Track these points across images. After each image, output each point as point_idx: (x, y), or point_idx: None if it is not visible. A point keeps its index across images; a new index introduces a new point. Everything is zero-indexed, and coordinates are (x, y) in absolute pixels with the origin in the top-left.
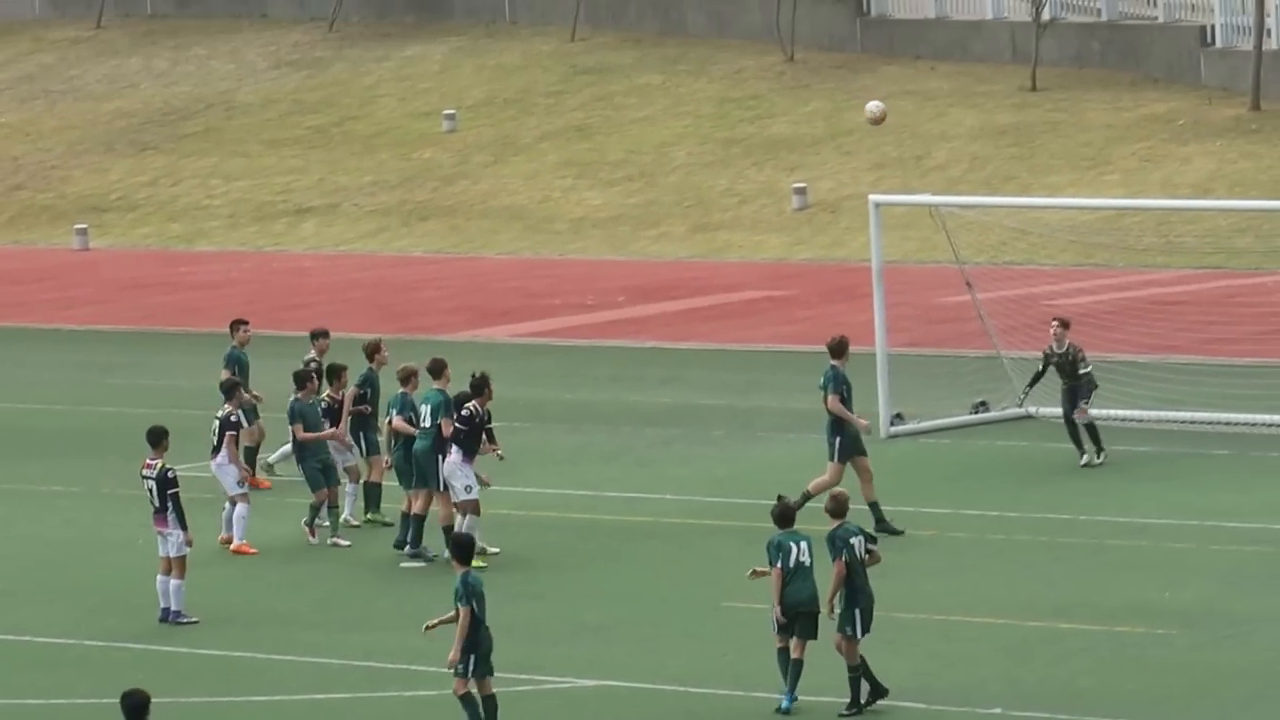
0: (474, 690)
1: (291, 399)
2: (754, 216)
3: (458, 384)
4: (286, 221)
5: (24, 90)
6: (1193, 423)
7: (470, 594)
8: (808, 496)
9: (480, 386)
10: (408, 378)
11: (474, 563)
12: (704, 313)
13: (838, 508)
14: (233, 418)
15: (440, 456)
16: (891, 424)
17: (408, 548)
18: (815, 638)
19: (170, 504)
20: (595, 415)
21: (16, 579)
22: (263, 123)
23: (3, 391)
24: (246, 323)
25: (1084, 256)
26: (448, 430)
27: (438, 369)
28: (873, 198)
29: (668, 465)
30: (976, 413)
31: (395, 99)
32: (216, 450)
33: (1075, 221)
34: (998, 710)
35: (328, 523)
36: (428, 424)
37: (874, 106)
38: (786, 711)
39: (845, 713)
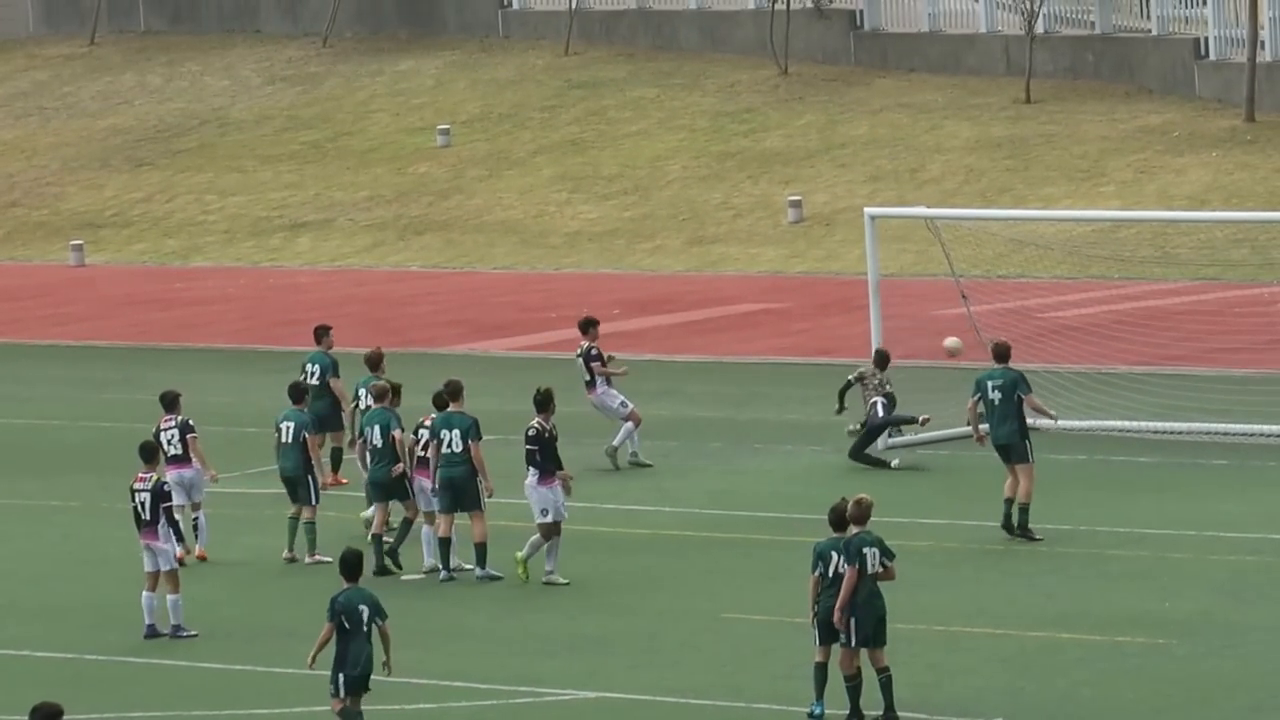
0: (352, 706)
1: (288, 409)
2: (749, 229)
3: (490, 399)
4: (282, 237)
5: (18, 107)
6: (1191, 433)
7: (333, 611)
8: (1025, 509)
9: (544, 402)
10: (382, 395)
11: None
12: (700, 325)
13: (860, 514)
14: (190, 423)
15: (478, 479)
16: (889, 435)
17: (477, 570)
18: (882, 643)
19: (164, 517)
20: (592, 428)
21: (15, 594)
22: (257, 138)
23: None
24: (331, 328)
25: (1080, 269)
26: (478, 453)
27: (456, 391)
28: (868, 210)
29: (665, 477)
30: None
31: (389, 114)
32: (182, 459)
33: (1071, 234)
34: None
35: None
36: (458, 449)
37: (952, 343)
38: (819, 717)
39: None
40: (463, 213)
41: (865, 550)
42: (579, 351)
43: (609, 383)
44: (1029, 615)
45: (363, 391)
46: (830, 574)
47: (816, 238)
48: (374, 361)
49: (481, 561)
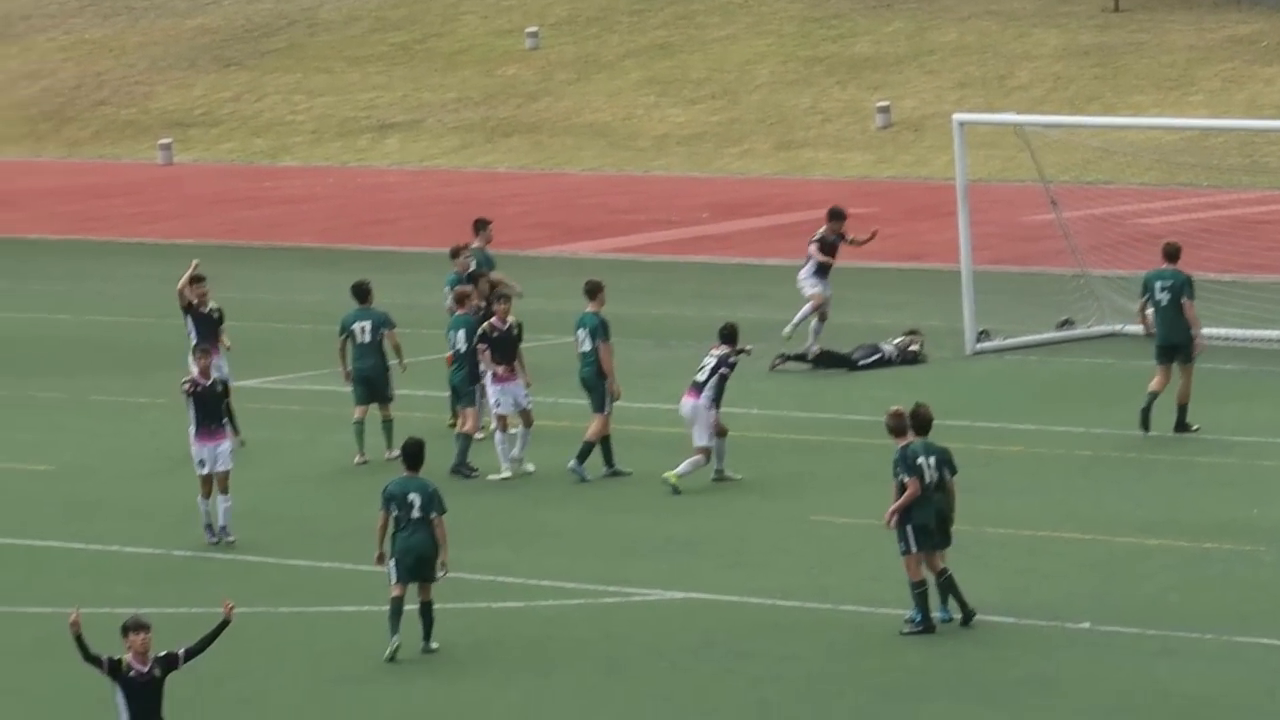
0: (422, 596)
1: (357, 309)
2: (837, 135)
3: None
4: (370, 137)
5: (107, 6)
6: (1278, 341)
7: (384, 499)
8: (1184, 409)
9: (732, 335)
10: (464, 299)
11: (673, 479)
12: (787, 230)
13: (898, 425)
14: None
15: (604, 379)
16: (977, 341)
17: (572, 462)
18: (941, 546)
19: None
20: (680, 331)
21: (103, 491)
22: (346, 39)
23: (88, 305)
24: (490, 221)
25: (1168, 176)
26: (606, 356)
27: (593, 290)
28: (957, 117)
29: (753, 380)
30: (1062, 330)
31: (478, 16)
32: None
33: (1159, 142)
34: (1086, 625)
35: None
36: (587, 348)
37: None
38: (946, 620)
39: (908, 630)
40: (551, 115)
41: (920, 460)
42: (819, 234)
43: (823, 274)
44: (1116, 521)
45: (447, 290)
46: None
47: (905, 143)
48: (455, 253)
49: (581, 457)
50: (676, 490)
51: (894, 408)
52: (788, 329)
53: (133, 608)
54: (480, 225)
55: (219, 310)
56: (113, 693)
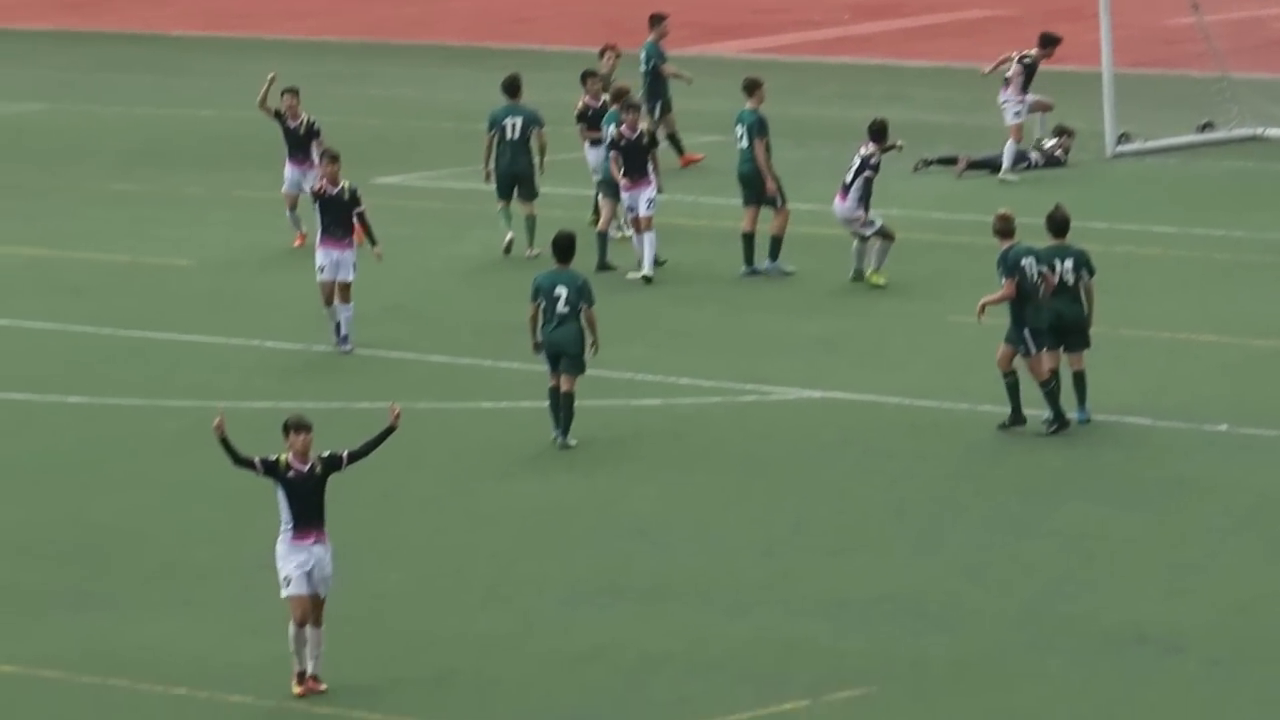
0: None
1: (507, 105)
2: None
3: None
4: None
5: None
6: None
7: (534, 291)
8: None
9: (881, 132)
10: (619, 95)
11: (876, 279)
12: (929, 31)
13: (1005, 228)
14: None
15: (762, 176)
16: (1118, 144)
17: (766, 263)
18: (1078, 348)
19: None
20: (820, 131)
21: (245, 285)
22: None
23: (231, 101)
24: (666, 16)
25: None
26: (760, 154)
27: (751, 87)
28: None
29: (893, 180)
30: (1202, 133)
31: None
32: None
33: None
34: (1224, 427)
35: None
36: (744, 144)
37: None
38: (1084, 422)
39: (1046, 430)
40: None
41: (1024, 261)
42: (1029, 58)
43: (1023, 90)
44: (1255, 324)
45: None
46: (1034, 278)
47: None
48: (601, 53)
49: (773, 253)
50: (883, 286)
51: (1001, 210)
52: (1005, 173)
53: (272, 402)
54: (655, 20)
55: (307, 125)
56: (274, 489)
